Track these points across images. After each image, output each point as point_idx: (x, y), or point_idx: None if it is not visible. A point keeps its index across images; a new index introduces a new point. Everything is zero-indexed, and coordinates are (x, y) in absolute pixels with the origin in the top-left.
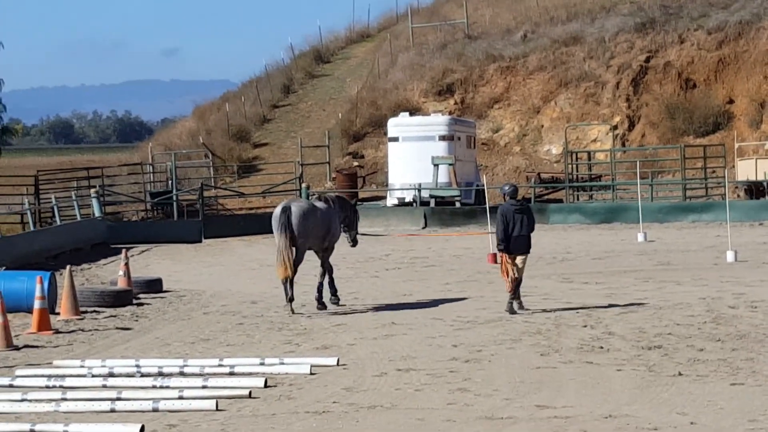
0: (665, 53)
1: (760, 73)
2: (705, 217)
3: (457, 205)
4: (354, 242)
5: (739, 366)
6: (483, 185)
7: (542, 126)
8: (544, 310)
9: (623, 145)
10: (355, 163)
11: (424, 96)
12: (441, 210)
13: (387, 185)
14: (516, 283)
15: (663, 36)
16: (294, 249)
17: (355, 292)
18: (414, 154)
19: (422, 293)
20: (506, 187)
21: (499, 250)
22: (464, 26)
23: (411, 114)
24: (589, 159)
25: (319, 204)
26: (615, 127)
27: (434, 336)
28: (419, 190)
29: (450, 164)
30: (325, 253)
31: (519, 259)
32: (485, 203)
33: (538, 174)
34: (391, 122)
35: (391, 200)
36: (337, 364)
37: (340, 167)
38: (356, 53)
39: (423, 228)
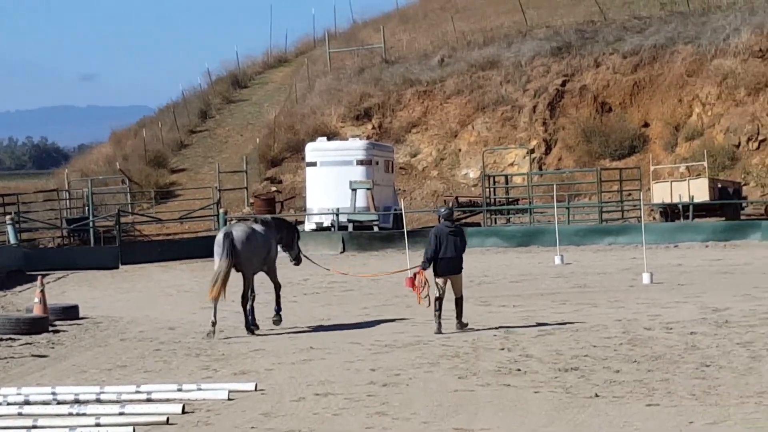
0: (581, 77)
1: (674, 97)
2: (621, 239)
3: (375, 229)
4: (297, 260)
5: (654, 387)
6: (401, 209)
7: (460, 150)
8: (462, 333)
9: (540, 168)
10: (273, 188)
11: (342, 120)
12: (359, 234)
13: (305, 210)
14: (460, 303)
15: (579, 60)
16: (240, 273)
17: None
18: (332, 179)
19: (340, 318)
20: (442, 210)
21: (422, 267)
22: (381, 51)
23: (329, 139)
24: (507, 182)
25: (257, 227)
26: (532, 151)
27: (352, 360)
28: (337, 215)
29: (368, 189)
30: (270, 273)
31: (455, 280)
32: (403, 227)
33: (456, 198)
34: (309, 147)
35: (309, 225)
36: (255, 390)
37: (258, 192)
38: (274, 78)
39: (341, 252)
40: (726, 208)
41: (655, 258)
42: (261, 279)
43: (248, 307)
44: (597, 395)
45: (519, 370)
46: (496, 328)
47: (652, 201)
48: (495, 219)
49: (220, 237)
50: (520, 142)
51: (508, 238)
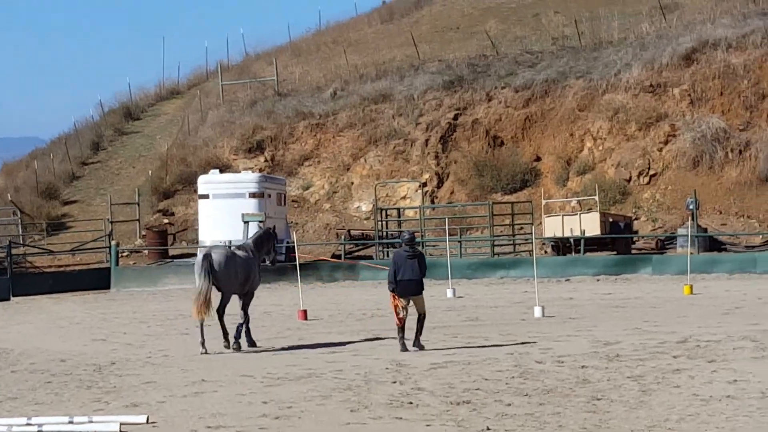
0: (473, 111)
1: (566, 131)
2: (513, 273)
3: (267, 262)
4: (273, 262)
5: (546, 420)
6: (293, 242)
7: (352, 183)
8: (354, 366)
9: (432, 202)
10: (165, 221)
11: (235, 153)
12: None
13: (197, 242)
14: (421, 321)
15: (471, 94)
16: (220, 294)
17: (165, 349)
18: (224, 212)
19: (228, 351)
20: (405, 235)
21: (390, 290)
22: (274, 83)
23: (221, 171)
24: (399, 216)
25: (240, 252)
26: (424, 184)
27: (244, 393)
28: (230, 247)
29: (260, 221)
30: (245, 297)
31: (416, 300)
32: (296, 260)
33: (348, 231)
34: (202, 179)
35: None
36: (147, 422)
37: (150, 225)
38: (166, 110)
39: None
40: (617, 242)
41: (546, 291)
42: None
43: (243, 329)
44: (488, 429)
45: (411, 403)
46: (389, 361)
47: (543, 235)
48: (387, 252)
49: (199, 258)
50: (413, 175)
51: None
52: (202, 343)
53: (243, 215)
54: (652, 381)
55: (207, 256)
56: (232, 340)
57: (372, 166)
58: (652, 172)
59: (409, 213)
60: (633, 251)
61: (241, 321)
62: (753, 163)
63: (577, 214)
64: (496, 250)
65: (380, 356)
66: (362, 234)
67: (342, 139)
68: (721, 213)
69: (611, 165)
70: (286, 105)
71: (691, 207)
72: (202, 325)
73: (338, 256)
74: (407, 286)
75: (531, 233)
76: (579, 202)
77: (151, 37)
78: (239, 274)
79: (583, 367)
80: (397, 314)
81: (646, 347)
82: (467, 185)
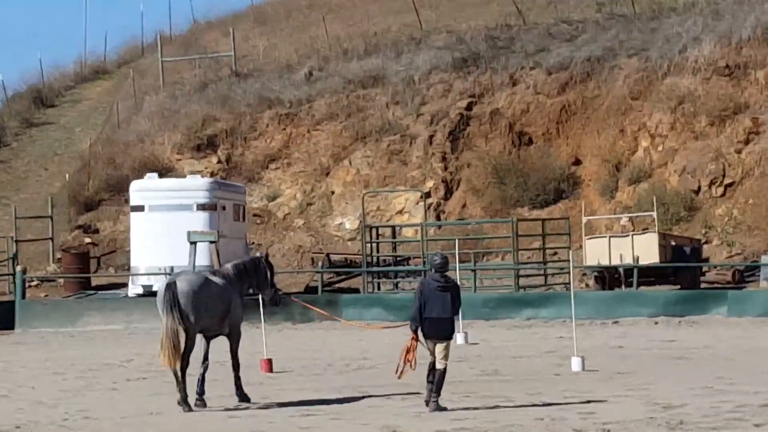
0: (493, 98)
1: (614, 126)
2: (544, 312)
3: (266, 300)
4: (274, 302)
5: None
6: None
7: (333, 192)
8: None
9: (438, 218)
10: (87, 240)
11: (179, 152)
12: None
13: (129, 269)
14: (439, 376)
15: (490, 76)
16: (184, 334)
17: (87, 410)
18: (165, 229)
19: (174, 411)
20: (436, 258)
21: (412, 329)
22: (231, 61)
23: (161, 176)
24: (394, 236)
25: (215, 278)
26: (428, 195)
27: None
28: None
29: (212, 241)
30: (231, 338)
31: (439, 347)
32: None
33: (328, 255)
34: (135, 186)
35: (134, 288)
36: None
37: (67, 245)
38: (89, 95)
39: None
40: (681, 273)
41: (588, 337)
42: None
43: (201, 375)
44: None
45: None
46: (380, 428)
47: (584, 262)
48: (378, 284)
49: (161, 289)
50: (413, 183)
51: (395, 309)
52: (184, 399)
53: (189, 234)
54: None
55: (170, 286)
56: (193, 396)
57: (359, 171)
58: (728, 180)
59: (408, 232)
60: (702, 285)
61: (202, 371)
62: None
63: (628, 236)
64: (522, 282)
65: (369, 421)
66: (345, 260)
67: (320, 135)
68: None
69: (674, 171)
70: (246, 89)
71: None
72: (179, 374)
73: (314, 289)
74: (435, 326)
75: (568, 260)
76: (631, 219)
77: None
78: (215, 307)
79: None
80: (407, 355)
81: (720, 412)
82: (484, 197)
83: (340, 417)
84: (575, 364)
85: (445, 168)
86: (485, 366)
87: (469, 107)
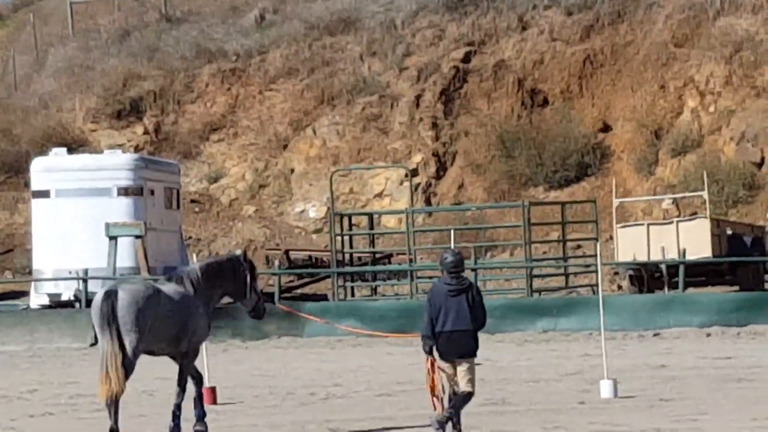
0: (497, 47)
1: (652, 82)
2: (565, 322)
3: (246, 311)
4: (256, 312)
5: None
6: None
7: (292, 171)
8: None
9: (428, 202)
10: None
11: (93, 120)
12: None
13: (31, 273)
14: (461, 399)
15: (493, 19)
16: (122, 354)
17: None
18: (76, 220)
19: None
20: (447, 257)
21: (425, 351)
22: (160, 2)
23: (71, 151)
24: (372, 227)
25: (168, 287)
26: (414, 173)
27: None
28: (86, 281)
29: (137, 236)
30: (184, 359)
31: (461, 368)
32: None
33: (287, 253)
34: (38, 165)
35: (37, 298)
36: None
37: None
38: None
39: (92, 345)
40: (741, 270)
41: (621, 354)
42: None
43: (179, 402)
44: None
45: None
46: None
47: (616, 258)
48: (352, 289)
49: (98, 298)
50: (395, 158)
51: (374, 320)
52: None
53: (108, 226)
54: None
55: (109, 296)
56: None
57: (325, 142)
58: None
59: (390, 221)
60: None
61: (176, 400)
62: None
63: (672, 223)
64: (537, 284)
65: None
66: (309, 258)
67: (275, 97)
68: None
69: (730, 139)
70: (179, 38)
71: None
72: (113, 403)
73: (268, 295)
74: (449, 341)
75: (595, 255)
76: (676, 202)
77: None
78: (169, 322)
79: None
80: (433, 391)
81: None
82: (487, 174)
83: None
84: (605, 389)
85: (437, 138)
86: (491, 393)
87: (466, 59)
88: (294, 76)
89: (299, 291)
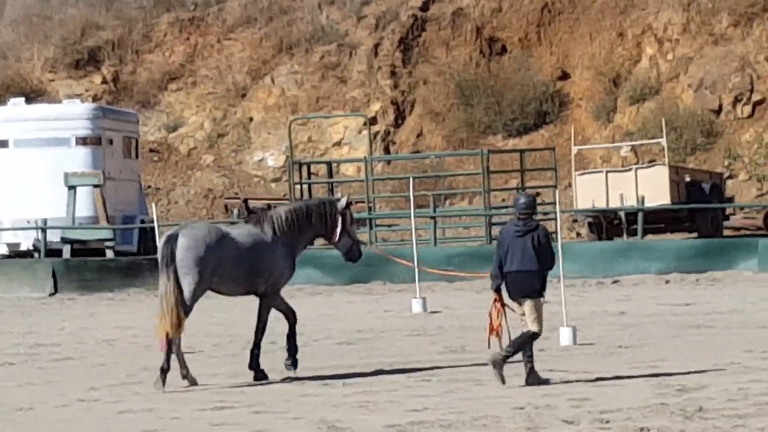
0: None
1: (611, 29)
2: None
3: (110, 254)
4: (350, 254)
5: None
6: (152, 221)
7: (251, 120)
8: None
9: (387, 151)
10: None
11: (51, 70)
12: (81, 264)
13: None
14: (523, 337)
15: None
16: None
17: None
18: (35, 169)
19: (49, 405)
20: (519, 198)
21: (493, 288)
22: None
23: (29, 101)
24: (330, 175)
25: (239, 231)
26: (373, 121)
27: None
28: (44, 231)
29: (95, 185)
30: (263, 299)
31: (525, 308)
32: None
33: (245, 202)
34: None
35: None
36: None
37: None
38: None
39: (51, 294)
40: (699, 217)
41: (581, 301)
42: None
43: (252, 345)
44: None
45: None
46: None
47: (575, 205)
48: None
49: (161, 244)
50: (353, 106)
51: (332, 269)
52: (163, 370)
53: (67, 176)
54: None
55: (170, 239)
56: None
57: (284, 91)
58: (756, 97)
59: (349, 170)
60: (726, 232)
61: (255, 339)
62: None
63: (631, 170)
64: (495, 232)
65: (301, 414)
66: (268, 206)
67: (233, 46)
68: None
69: (688, 86)
70: None
71: None
72: (170, 345)
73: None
74: (514, 281)
75: (554, 203)
76: (634, 149)
77: None
78: (233, 265)
79: (643, 429)
80: (492, 329)
81: (749, 395)
82: (445, 122)
83: (264, 409)
84: (564, 336)
85: (395, 86)
86: (449, 341)
87: (424, 7)
88: (252, 25)
89: None
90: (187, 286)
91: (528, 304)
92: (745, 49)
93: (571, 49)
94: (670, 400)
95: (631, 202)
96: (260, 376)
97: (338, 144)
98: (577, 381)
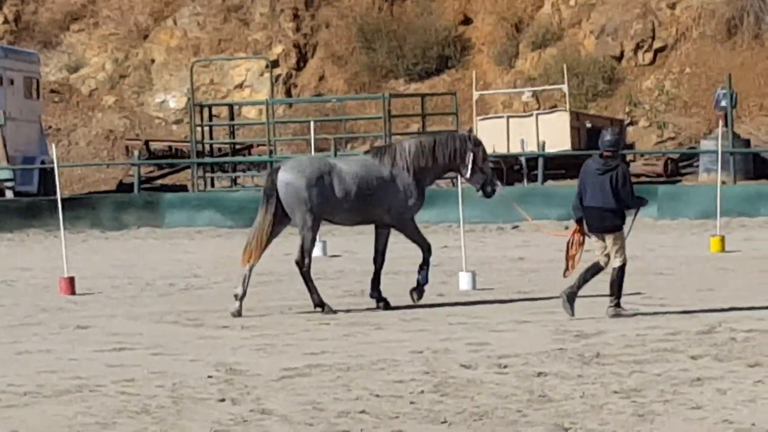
0: None
1: None
2: (424, 215)
3: (9, 195)
4: (485, 191)
5: None
6: (53, 162)
7: (152, 61)
8: (156, 373)
9: (289, 93)
10: None
11: None
12: None
13: None
14: (616, 275)
15: None
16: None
17: None
18: None
19: None
20: (605, 134)
21: (575, 220)
22: None
23: None
24: (232, 118)
25: (350, 163)
26: (275, 64)
27: None
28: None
29: None
30: (399, 230)
31: (607, 242)
32: (56, 193)
33: (147, 143)
34: None
35: None
36: None
37: None
38: None
39: None
40: None
41: (480, 247)
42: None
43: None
44: None
45: None
46: (215, 365)
47: None
48: (212, 180)
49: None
50: (256, 49)
51: (233, 211)
52: (237, 296)
53: None
54: (656, 398)
55: (272, 172)
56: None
57: (186, 33)
58: (658, 44)
59: (251, 112)
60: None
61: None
62: None
63: (532, 116)
64: None
65: (199, 357)
66: (170, 148)
67: None
68: None
69: (590, 32)
70: None
71: (723, 104)
72: (248, 272)
73: (128, 186)
74: (592, 216)
75: None
76: (535, 94)
77: None
78: (341, 197)
79: (540, 374)
80: (570, 259)
81: (647, 341)
82: (348, 66)
83: (163, 351)
84: (464, 281)
85: (298, 29)
86: (349, 284)
87: None
88: None
89: (159, 182)
90: (299, 221)
91: (609, 239)
92: None
93: None
94: (568, 345)
95: (532, 147)
96: (383, 304)
97: (240, 86)
98: (476, 326)
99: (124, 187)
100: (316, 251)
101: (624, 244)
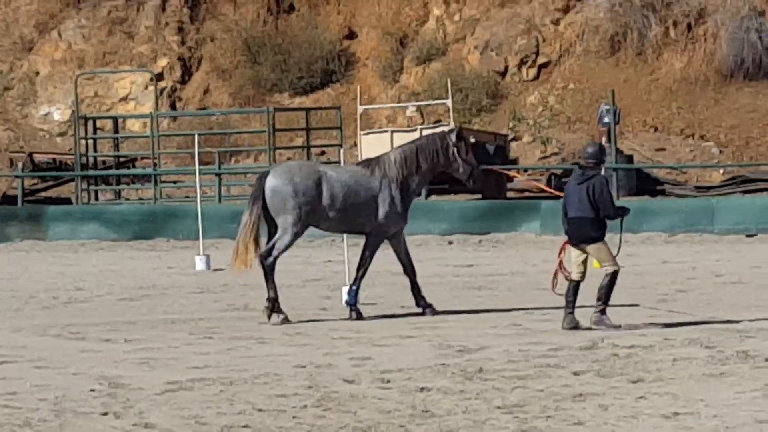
0: None
1: None
2: (309, 228)
3: (465, 182)
4: (474, 179)
5: None
6: None
7: (37, 74)
8: (38, 386)
9: (173, 107)
10: None
11: None
12: None
13: None
14: (606, 282)
15: None
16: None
17: None
18: None
19: None
20: (587, 149)
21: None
22: None
23: None
24: (116, 130)
25: (340, 171)
26: (160, 77)
27: None
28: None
29: None
30: (368, 238)
31: (590, 253)
32: None
33: (30, 155)
34: None
35: None
36: None
37: None
38: None
39: None
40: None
41: None
42: None
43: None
44: None
45: None
46: (98, 379)
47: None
48: (96, 192)
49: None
50: (141, 62)
51: (117, 224)
52: (269, 299)
53: None
54: (538, 414)
55: (261, 177)
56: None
57: (71, 45)
58: (542, 60)
59: (135, 125)
60: (509, 194)
61: (356, 274)
62: (710, 46)
63: (416, 130)
64: None
65: (82, 370)
66: (54, 161)
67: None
68: (657, 130)
69: (474, 47)
70: None
71: (606, 120)
72: (266, 272)
73: (12, 198)
74: (572, 227)
75: (339, 161)
76: (420, 109)
77: None
78: (328, 203)
79: (423, 389)
80: (560, 269)
81: (529, 357)
82: (232, 80)
83: (46, 365)
84: (347, 295)
85: (183, 42)
86: (233, 298)
87: None
88: None
89: (43, 194)
90: (282, 224)
91: (591, 249)
92: (531, 12)
93: (359, 9)
94: (451, 360)
95: None
96: (356, 313)
97: (125, 99)
98: (359, 341)
99: (7, 200)
100: (201, 265)
101: (610, 252)
